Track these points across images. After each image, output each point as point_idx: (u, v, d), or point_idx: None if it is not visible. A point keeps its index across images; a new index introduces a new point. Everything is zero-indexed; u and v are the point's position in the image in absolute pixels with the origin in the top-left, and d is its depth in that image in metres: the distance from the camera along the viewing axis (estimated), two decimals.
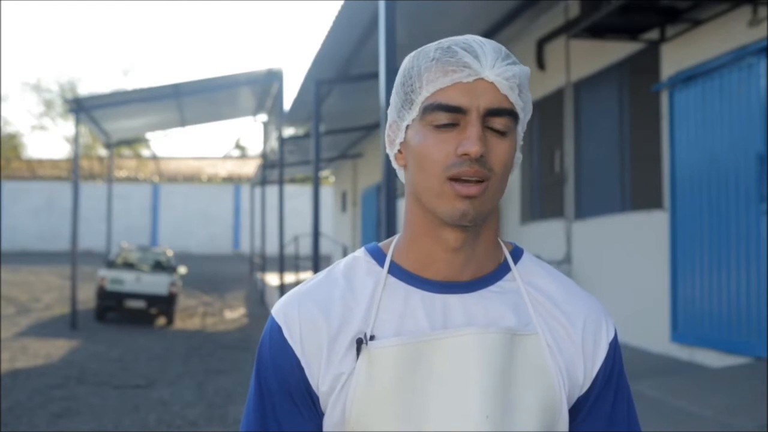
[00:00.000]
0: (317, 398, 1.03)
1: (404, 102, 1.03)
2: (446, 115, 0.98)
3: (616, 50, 7.90)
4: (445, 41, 1.03)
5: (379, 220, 17.43)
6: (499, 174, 0.99)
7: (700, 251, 6.73)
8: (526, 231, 9.88)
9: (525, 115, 1.04)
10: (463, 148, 0.96)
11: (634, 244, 7.78)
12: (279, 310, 1.07)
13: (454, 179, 0.98)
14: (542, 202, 9.99)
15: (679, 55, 7.05)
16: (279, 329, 1.05)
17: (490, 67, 0.98)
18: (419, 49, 1.05)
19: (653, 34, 7.29)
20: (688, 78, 6.90)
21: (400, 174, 1.11)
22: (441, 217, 1.00)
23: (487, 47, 1.00)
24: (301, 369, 1.02)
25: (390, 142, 1.09)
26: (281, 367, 1.04)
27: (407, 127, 1.04)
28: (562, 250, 8.96)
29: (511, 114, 1.00)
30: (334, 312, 1.04)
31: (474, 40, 1.02)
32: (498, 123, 0.99)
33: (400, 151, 1.07)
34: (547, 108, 9.24)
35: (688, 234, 6.90)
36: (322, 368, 1.01)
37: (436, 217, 1.02)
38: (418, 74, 1.01)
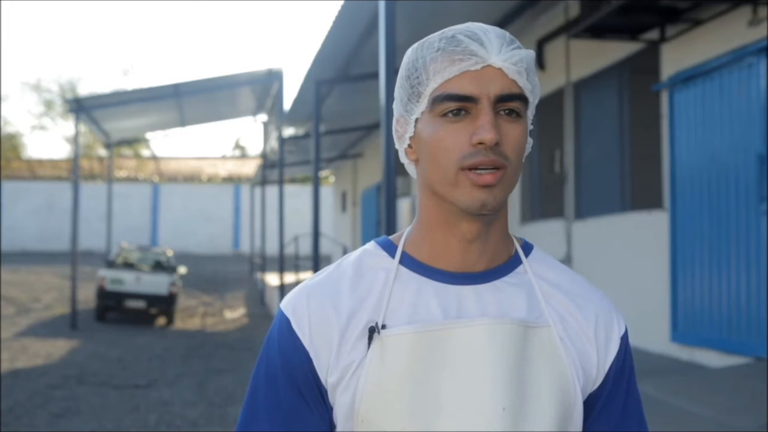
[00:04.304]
0: (326, 391, 1.02)
1: (411, 95, 1.02)
2: (457, 104, 0.97)
3: (616, 50, 7.90)
4: (448, 30, 1.01)
5: (379, 220, 17.43)
6: (514, 160, 0.99)
7: (700, 251, 6.73)
8: (526, 231, 9.88)
9: (534, 98, 1.03)
10: (477, 137, 0.95)
11: (634, 244, 7.78)
12: (288, 303, 1.05)
13: (470, 169, 0.96)
14: (542, 202, 10.00)
15: (679, 55, 7.05)
16: (287, 322, 1.03)
17: (497, 53, 0.97)
18: (421, 41, 1.04)
19: (653, 34, 7.29)
20: (688, 78, 6.90)
21: (411, 169, 1.09)
22: (459, 207, 0.99)
23: (491, 34, 0.99)
24: (310, 361, 1.01)
25: (398, 138, 1.07)
26: (290, 360, 1.02)
27: (416, 120, 1.03)
28: (562, 250, 8.96)
29: (521, 98, 0.99)
30: (344, 303, 1.02)
31: (477, 27, 1.01)
32: (509, 108, 0.98)
33: (410, 146, 1.05)
34: (547, 108, 9.22)
35: (688, 234, 6.90)
36: (332, 359, 1.00)
37: (453, 208, 1.00)
38: (424, 65, 1.00)
